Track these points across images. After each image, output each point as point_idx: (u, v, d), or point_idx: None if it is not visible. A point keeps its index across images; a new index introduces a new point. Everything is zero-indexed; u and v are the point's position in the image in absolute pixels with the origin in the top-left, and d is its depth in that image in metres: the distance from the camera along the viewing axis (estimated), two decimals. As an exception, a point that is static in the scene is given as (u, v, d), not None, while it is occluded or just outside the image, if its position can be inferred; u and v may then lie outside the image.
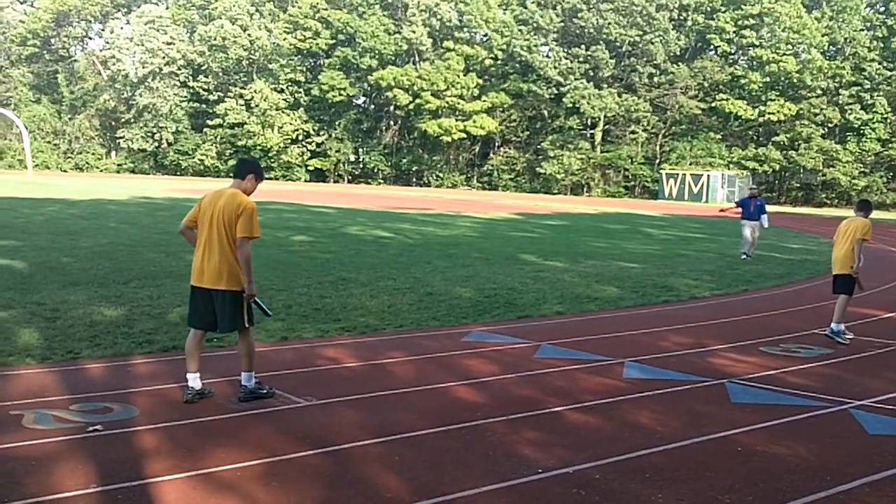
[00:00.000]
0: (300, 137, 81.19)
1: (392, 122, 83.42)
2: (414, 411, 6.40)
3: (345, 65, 79.76)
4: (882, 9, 67.71)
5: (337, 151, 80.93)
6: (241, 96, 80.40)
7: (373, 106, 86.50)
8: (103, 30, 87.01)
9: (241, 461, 5.13)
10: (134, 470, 4.92)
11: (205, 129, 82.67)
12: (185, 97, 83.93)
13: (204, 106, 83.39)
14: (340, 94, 79.19)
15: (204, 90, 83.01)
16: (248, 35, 79.48)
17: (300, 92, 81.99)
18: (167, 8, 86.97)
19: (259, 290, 11.45)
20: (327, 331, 9.26)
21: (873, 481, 5.13)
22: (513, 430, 5.95)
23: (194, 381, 6.41)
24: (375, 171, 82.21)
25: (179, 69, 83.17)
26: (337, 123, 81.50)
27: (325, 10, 79.81)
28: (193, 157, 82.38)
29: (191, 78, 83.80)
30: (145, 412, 6.10)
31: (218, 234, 6.22)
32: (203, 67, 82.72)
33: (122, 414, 6.05)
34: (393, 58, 78.70)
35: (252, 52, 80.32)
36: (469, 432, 5.88)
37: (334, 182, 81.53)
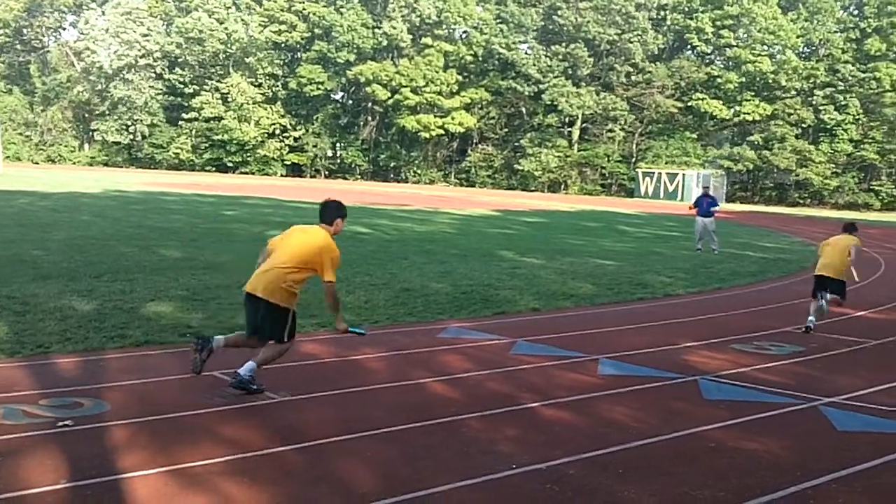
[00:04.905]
0: (277, 132, 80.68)
1: (370, 118, 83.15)
2: (389, 407, 6.39)
3: (322, 59, 79.39)
4: (855, 11, 68.47)
5: (314, 146, 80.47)
6: (217, 90, 79.76)
7: (351, 101, 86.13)
8: (77, 21, 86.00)
9: (213, 457, 5.10)
10: (104, 465, 4.87)
11: (180, 123, 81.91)
12: (161, 90, 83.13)
13: (180, 99, 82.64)
14: (318, 89, 78.80)
15: (180, 83, 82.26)
16: (225, 28, 78.86)
17: (277, 86, 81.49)
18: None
19: (234, 284, 11.45)
20: (303, 326, 9.18)
21: (841, 477, 5.19)
22: (487, 426, 5.96)
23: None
24: (353, 166, 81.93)
25: (155, 61, 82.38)
26: (314, 118, 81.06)
27: (302, 3, 79.36)
28: (168, 151, 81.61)
29: (167, 71, 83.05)
30: (116, 407, 6.05)
31: (289, 258, 6.47)
32: (179, 60, 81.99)
33: (93, 409, 5.99)
34: (372, 53, 78.42)
35: (229, 45, 79.71)
36: (443, 428, 5.89)
37: (311, 177, 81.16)
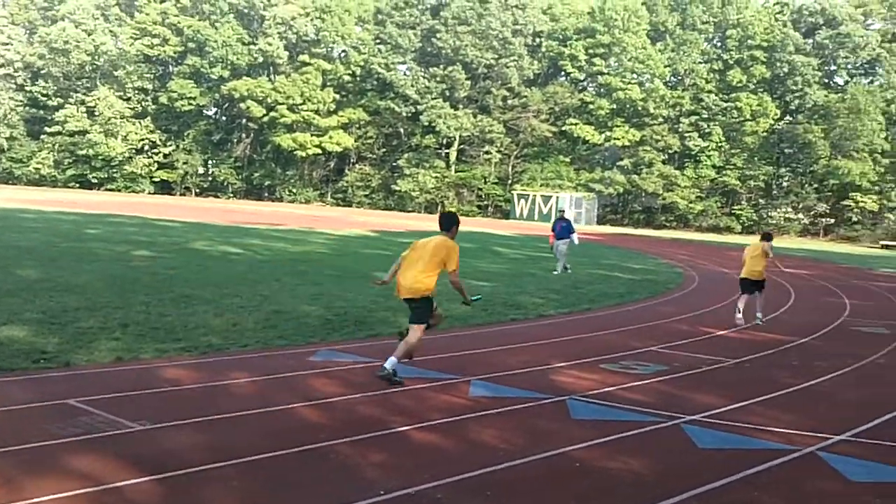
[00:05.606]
0: (146, 147, 78.25)
1: (244, 135, 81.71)
2: (255, 433, 6.21)
3: (195, 74, 77.63)
4: (718, 44, 72.20)
5: (185, 163, 78.35)
6: (83, 103, 76.78)
7: (224, 117, 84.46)
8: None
9: (64, 491, 4.81)
10: (-60, 504, 4.52)
11: (42, 137, 78.34)
12: (22, 102, 79.39)
13: (42, 112, 79.11)
14: (190, 104, 76.92)
15: (43, 95, 78.77)
16: (93, 40, 76.13)
17: (147, 100, 79.12)
18: (4, 6, 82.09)
19: (93, 306, 10.96)
20: (166, 351, 8.87)
21: (700, 493, 5.36)
22: (357, 452, 5.86)
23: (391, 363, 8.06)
24: (225, 184, 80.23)
25: (16, 72, 78.67)
26: (186, 134, 79.02)
27: (176, 16, 77.48)
28: (28, 166, 77.84)
29: (29, 82, 79.41)
30: (-42, 440, 5.63)
31: (426, 261, 8.23)
32: (43, 71, 78.56)
33: (-69, 442, 5.56)
34: (247, 69, 77.22)
35: (96, 57, 76.95)
36: (311, 454, 5.76)
37: (181, 195, 78.98)
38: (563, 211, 25.50)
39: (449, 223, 8.61)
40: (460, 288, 8.33)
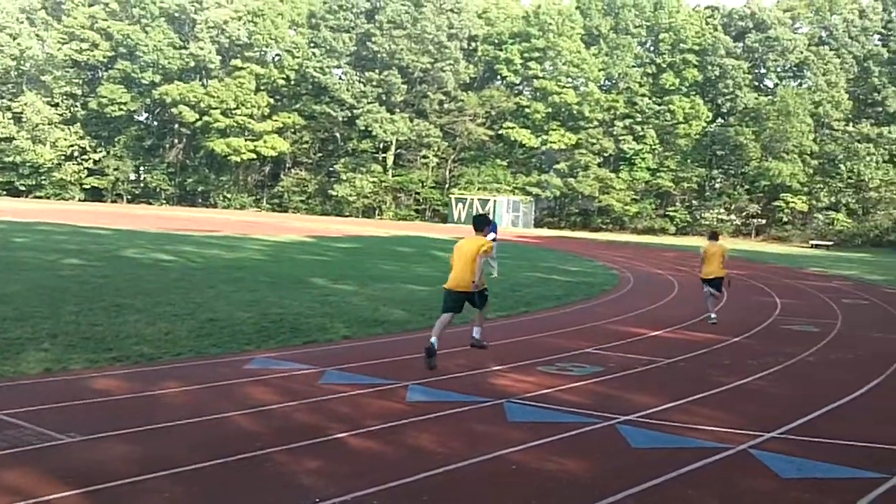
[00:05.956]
0: (75, 154, 76.40)
1: (177, 140, 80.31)
2: (188, 443, 6.10)
3: (126, 79, 76.03)
4: (651, 48, 73.47)
5: (116, 169, 76.60)
6: (9, 109, 74.65)
7: (156, 123, 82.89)
8: None
9: (-13, 508, 4.66)
10: None
11: (-35, 144, 75.97)
12: (-57, 108, 76.91)
13: (-35, 119, 76.74)
14: (121, 109, 75.28)
15: (-35, 101, 76.42)
16: (18, 44, 74.09)
17: (76, 106, 77.25)
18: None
19: (21, 316, 10.66)
20: (97, 361, 8.66)
21: (636, 492, 5.42)
22: (293, 460, 5.80)
23: (435, 341, 9.19)
24: (158, 190, 78.71)
25: (-64, 77, 76.19)
26: (116, 140, 77.31)
27: (105, 20, 75.83)
28: (-49, 175, 75.51)
29: (-50, 87, 77.03)
30: None
31: (470, 258, 9.36)
32: (-36, 77, 76.24)
33: None
34: (179, 73, 75.95)
35: (22, 62, 74.90)
36: (246, 463, 5.67)
37: (112, 202, 77.28)
38: (486, 213, 25.45)
39: (481, 224, 9.94)
40: (479, 268, 9.33)
